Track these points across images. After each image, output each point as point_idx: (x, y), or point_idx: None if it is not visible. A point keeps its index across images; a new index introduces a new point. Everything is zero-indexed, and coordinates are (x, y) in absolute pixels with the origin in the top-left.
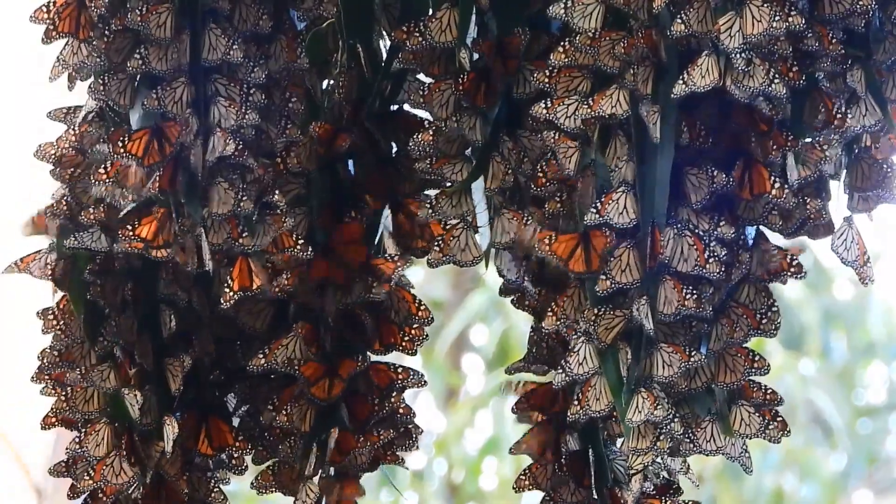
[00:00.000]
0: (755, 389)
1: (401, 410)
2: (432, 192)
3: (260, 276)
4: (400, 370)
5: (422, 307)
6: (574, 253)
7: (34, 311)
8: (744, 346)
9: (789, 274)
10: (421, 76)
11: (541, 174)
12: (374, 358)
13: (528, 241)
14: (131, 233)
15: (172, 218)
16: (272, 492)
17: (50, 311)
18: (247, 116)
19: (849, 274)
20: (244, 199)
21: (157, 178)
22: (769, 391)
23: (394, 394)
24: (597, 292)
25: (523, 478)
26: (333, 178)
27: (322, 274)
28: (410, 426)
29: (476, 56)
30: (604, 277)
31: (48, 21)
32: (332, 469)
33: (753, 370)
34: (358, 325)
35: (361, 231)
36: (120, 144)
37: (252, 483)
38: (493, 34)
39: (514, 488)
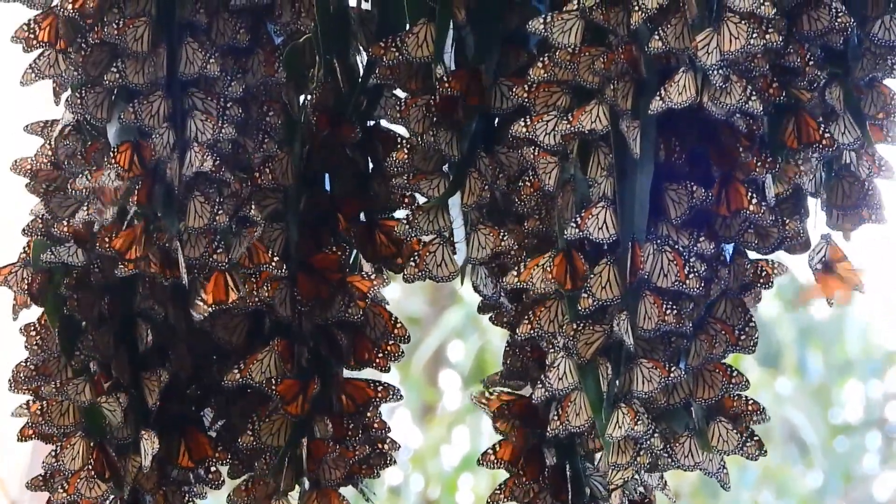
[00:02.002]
0: (736, 400)
1: (375, 425)
2: (404, 212)
3: (236, 289)
4: (380, 388)
5: (398, 324)
6: (566, 274)
7: (7, 323)
8: (722, 362)
9: (758, 285)
10: (398, 91)
11: (523, 188)
12: (352, 374)
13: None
14: (107, 244)
15: (147, 231)
16: None
17: (32, 327)
18: (223, 130)
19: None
20: (220, 212)
21: (137, 192)
22: (751, 402)
23: (370, 410)
24: (578, 310)
25: (499, 492)
26: (310, 194)
27: (311, 293)
28: (386, 442)
29: (451, 78)
30: (585, 295)
31: (28, 32)
32: (307, 482)
33: (731, 386)
34: (333, 342)
35: (338, 260)
36: (112, 155)
37: (227, 499)
38: (471, 49)
39: (488, 502)
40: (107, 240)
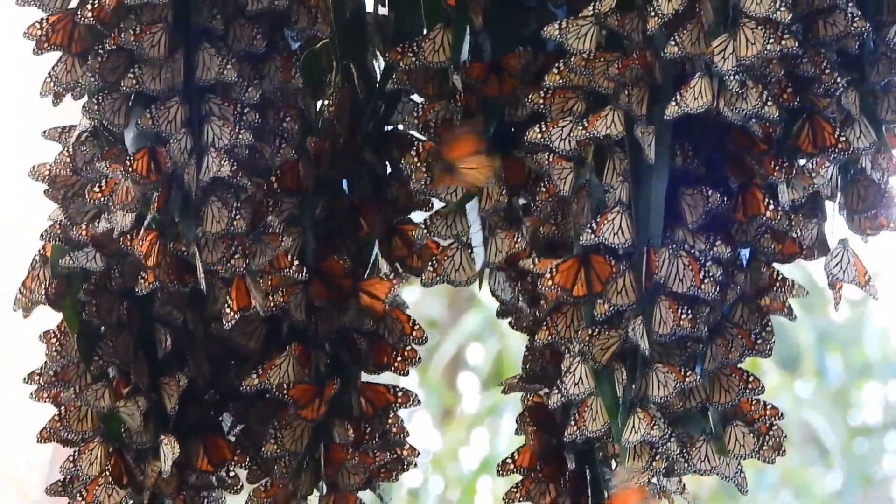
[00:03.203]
0: (753, 403)
1: (394, 430)
2: (422, 216)
3: (256, 294)
4: (399, 393)
5: (416, 327)
6: (576, 279)
7: (26, 328)
8: (738, 366)
9: (775, 289)
10: (415, 97)
11: (538, 194)
12: (371, 378)
13: (524, 266)
14: (130, 245)
15: (163, 237)
16: None
17: (52, 333)
18: (241, 136)
19: (845, 294)
20: (238, 217)
21: (156, 199)
22: (769, 406)
23: (390, 415)
24: (594, 315)
25: (515, 490)
26: (328, 198)
27: (322, 297)
28: (405, 447)
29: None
30: (601, 301)
31: (41, 34)
32: (324, 487)
33: (748, 391)
34: (351, 346)
35: (343, 267)
36: (128, 163)
37: (247, 501)
38: (487, 54)
39: (504, 500)
40: (129, 241)
